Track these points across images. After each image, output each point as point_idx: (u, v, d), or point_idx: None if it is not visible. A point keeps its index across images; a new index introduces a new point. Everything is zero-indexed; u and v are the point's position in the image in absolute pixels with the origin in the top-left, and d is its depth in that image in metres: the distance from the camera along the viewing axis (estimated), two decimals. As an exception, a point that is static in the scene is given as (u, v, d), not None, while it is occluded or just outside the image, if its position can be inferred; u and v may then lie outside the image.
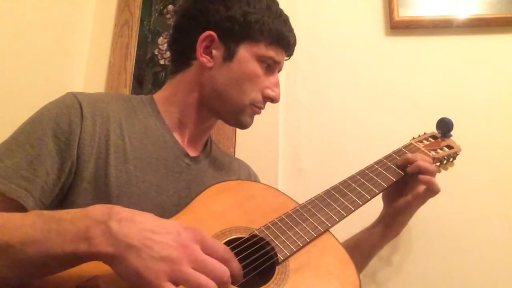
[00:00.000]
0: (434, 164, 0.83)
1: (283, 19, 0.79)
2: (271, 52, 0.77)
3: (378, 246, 0.86)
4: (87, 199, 0.64)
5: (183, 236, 0.48)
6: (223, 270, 0.48)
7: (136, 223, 0.48)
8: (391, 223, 0.84)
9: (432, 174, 0.78)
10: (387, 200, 0.85)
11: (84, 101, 0.69)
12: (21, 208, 0.58)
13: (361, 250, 0.85)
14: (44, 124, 0.65)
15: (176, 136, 0.78)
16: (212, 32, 0.75)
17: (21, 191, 0.59)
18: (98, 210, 0.49)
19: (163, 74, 1.38)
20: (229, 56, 0.75)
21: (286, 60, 0.83)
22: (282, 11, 0.81)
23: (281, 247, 0.62)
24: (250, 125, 0.81)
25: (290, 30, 0.80)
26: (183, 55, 0.80)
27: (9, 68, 1.09)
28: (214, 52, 0.76)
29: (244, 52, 0.76)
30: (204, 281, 0.46)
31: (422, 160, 0.79)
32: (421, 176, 0.78)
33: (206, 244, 0.49)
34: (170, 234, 0.48)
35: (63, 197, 0.65)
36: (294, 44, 0.82)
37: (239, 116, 0.78)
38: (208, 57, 0.76)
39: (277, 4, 0.81)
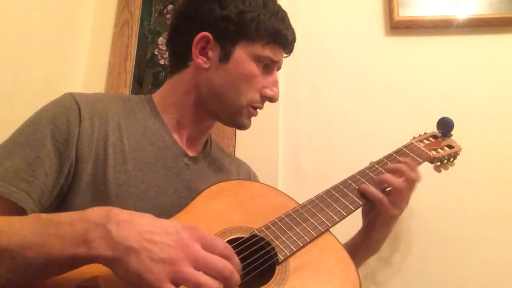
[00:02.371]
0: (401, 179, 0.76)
1: (281, 16, 0.77)
2: (268, 52, 0.75)
3: (363, 252, 0.81)
4: (86, 200, 0.64)
5: (183, 235, 0.48)
6: (224, 265, 0.48)
7: (135, 225, 0.48)
8: (368, 236, 0.80)
9: (398, 190, 0.73)
10: (364, 213, 0.81)
11: (82, 102, 0.68)
12: (20, 210, 0.58)
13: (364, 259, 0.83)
14: (42, 125, 0.64)
15: (175, 136, 0.78)
16: (207, 33, 0.74)
17: (20, 193, 0.59)
18: (96, 212, 0.49)
19: (163, 74, 1.38)
20: (225, 57, 0.74)
21: (286, 57, 0.82)
22: (280, 7, 0.79)
23: (281, 247, 0.61)
24: (248, 126, 0.80)
25: (288, 27, 0.78)
26: (180, 55, 0.79)
27: (9, 68, 1.09)
28: (210, 53, 0.75)
29: (240, 53, 0.74)
30: (204, 280, 0.46)
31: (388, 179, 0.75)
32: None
33: (206, 242, 0.49)
34: (170, 235, 0.48)
35: (62, 199, 0.64)
36: (293, 41, 0.81)
37: (236, 117, 0.78)
38: (204, 58, 0.75)
39: (274, 0, 0.79)
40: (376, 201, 0.73)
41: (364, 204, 0.73)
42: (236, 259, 0.51)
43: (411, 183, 0.76)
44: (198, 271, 0.46)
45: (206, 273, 0.46)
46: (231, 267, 0.48)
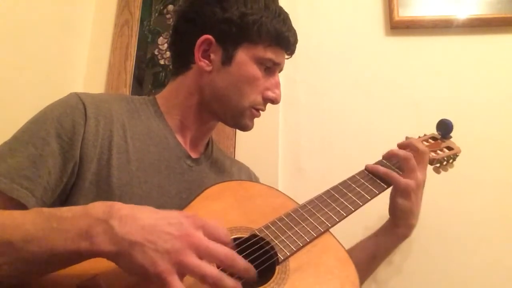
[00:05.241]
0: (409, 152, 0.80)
1: (282, 18, 0.77)
2: (270, 54, 0.75)
3: (383, 247, 0.84)
4: (89, 200, 0.64)
5: (185, 224, 0.49)
6: (225, 253, 0.49)
7: (137, 219, 0.48)
8: (394, 223, 0.82)
9: (405, 159, 0.77)
10: (390, 201, 0.82)
11: (87, 102, 0.69)
12: (23, 208, 0.58)
13: (367, 252, 0.83)
14: (47, 124, 0.65)
15: (179, 137, 0.78)
16: (209, 36, 0.74)
17: (23, 191, 0.59)
18: (98, 208, 0.49)
19: (163, 74, 1.38)
20: (227, 59, 0.75)
21: (287, 58, 0.82)
22: (281, 9, 0.79)
23: (281, 246, 0.62)
24: (250, 128, 0.80)
25: (290, 29, 0.79)
26: (182, 58, 0.80)
27: (10, 68, 1.09)
28: (212, 56, 0.75)
29: (243, 55, 0.75)
30: (209, 270, 0.46)
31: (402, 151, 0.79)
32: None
33: (208, 229, 0.50)
34: (172, 225, 0.49)
35: (65, 197, 0.65)
36: (295, 42, 0.81)
37: (239, 119, 0.78)
38: (207, 61, 0.75)
39: (276, 2, 0.79)
40: (385, 176, 0.76)
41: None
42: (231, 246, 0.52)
43: (418, 153, 0.79)
44: (201, 259, 0.47)
45: (209, 261, 0.48)
46: (232, 253, 0.49)
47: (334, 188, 0.74)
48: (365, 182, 0.76)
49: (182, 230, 0.48)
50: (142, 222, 0.48)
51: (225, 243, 0.50)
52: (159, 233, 0.47)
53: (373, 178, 0.77)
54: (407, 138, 0.91)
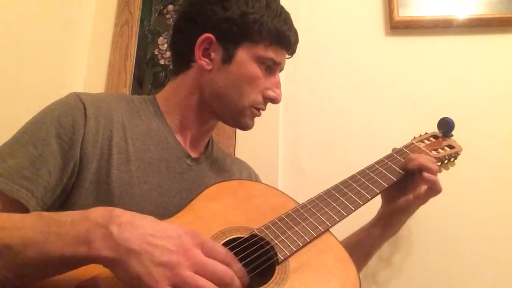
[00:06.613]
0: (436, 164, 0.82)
1: (284, 18, 0.77)
2: (270, 53, 0.75)
3: (377, 245, 0.86)
4: (89, 200, 0.64)
5: (184, 239, 0.48)
6: (224, 271, 0.48)
7: (136, 227, 0.48)
8: (390, 222, 0.83)
9: (435, 173, 0.78)
10: (387, 199, 0.84)
11: (87, 102, 0.69)
12: (23, 208, 0.58)
13: (361, 250, 0.84)
14: (47, 124, 0.64)
15: (178, 137, 0.78)
16: (210, 35, 0.74)
17: (23, 191, 0.59)
18: (98, 213, 0.49)
19: (163, 74, 1.38)
20: (227, 58, 0.74)
21: (288, 58, 0.82)
22: (282, 8, 0.79)
23: (281, 246, 0.61)
24: (251, 127, 0.80)
25: (291, 28, 0.78)
26: (182, 57, 0.79)
27: (9, 68, 1.09)
28: (212, 54, 0.75)
29: (243, 54, 0.74)
30: (203, 283, 0.46)
31: (425, 159, 0.79)
32: (426, 174, 0.76)
33: (207, 247, 0.50)
34: (171, 238, 0.48)
35: (65, 198, 0.65)
36: (296, 42, 0.81)
37: (239, 118, 0.78)
38: (207, 60, 0.75)
39: (277, 1, 0.79)
40: (434, 182, 0.77)
41: (386, 190, 0.76)
42: (239, 265, 0.51)
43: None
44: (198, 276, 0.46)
45: (206, 279, 0.47)
46: (232, 273, 0.48)
47: (335, 188, 0.74)
48: (365, 181, 0.75)
49: (180, 245, 0.48)
50: (142, 231, 0.47)
51: (224, 263, 0.49)
52: (157, 245, 0.47)
53: (374, 177, 0.77)
54: (414, 138, 0.92)
